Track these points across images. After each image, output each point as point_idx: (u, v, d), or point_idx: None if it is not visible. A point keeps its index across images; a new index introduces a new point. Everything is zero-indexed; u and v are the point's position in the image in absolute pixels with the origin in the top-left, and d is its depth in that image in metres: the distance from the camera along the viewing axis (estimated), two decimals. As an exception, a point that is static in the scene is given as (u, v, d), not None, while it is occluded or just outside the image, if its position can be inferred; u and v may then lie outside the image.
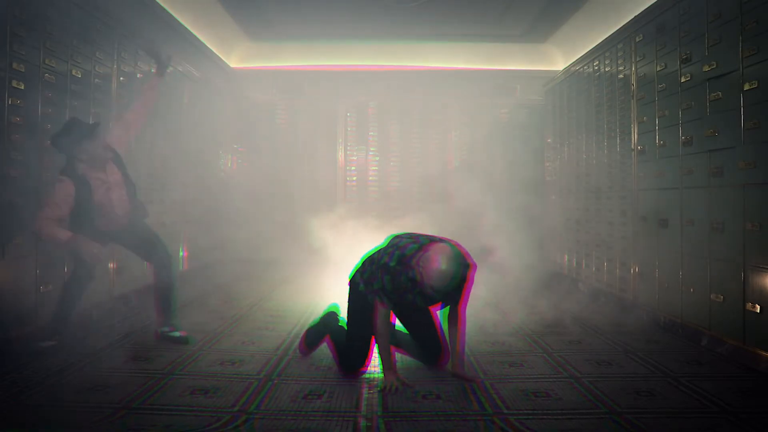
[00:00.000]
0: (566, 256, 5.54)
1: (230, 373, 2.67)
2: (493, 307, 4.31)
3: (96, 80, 3.68)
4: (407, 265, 2.44)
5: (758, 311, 2.75)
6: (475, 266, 2.56)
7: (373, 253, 2.69)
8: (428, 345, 2.77)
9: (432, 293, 2.41)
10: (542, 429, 2.08)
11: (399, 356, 2.87)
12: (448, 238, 2.67)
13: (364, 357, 2.65)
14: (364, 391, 2.46)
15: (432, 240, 2.54)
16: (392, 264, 2.49)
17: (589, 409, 2.27)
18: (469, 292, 2.62)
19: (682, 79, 3.45)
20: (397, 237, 2.68)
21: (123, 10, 4.00)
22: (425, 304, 2.61)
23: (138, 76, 4.28)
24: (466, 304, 2.64)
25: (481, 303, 4.42)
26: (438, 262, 2.33)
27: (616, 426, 2.10)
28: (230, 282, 5.38)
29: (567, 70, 5.70)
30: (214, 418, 2.15)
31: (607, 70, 4.68)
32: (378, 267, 2.56)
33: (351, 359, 2.66)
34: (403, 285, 2.48)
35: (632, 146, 4.16)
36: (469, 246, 2.64)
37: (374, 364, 2.81)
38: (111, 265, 3.87)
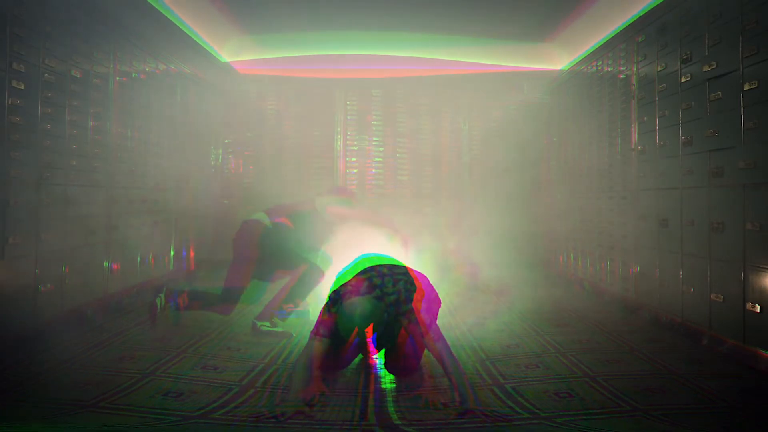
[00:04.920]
0: (567, 256, 5.54)
1: (210, 378, 2.60)
2: (497, 307, 4.30)
3: (95, 80, 3.68)
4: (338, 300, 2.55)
5: (758, 311, 2.75)
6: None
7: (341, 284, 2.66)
8: (388, 355, 2.70)
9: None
10: (591, 429, 2.05)
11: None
12: (416, 272, 2.66)
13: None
14: (369, 400, 2.35)
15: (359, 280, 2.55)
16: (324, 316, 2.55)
17: (615, 408, 2.26)
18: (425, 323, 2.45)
19: (683, 79, 3.45)
20: (364, 272, 2.62)
21: (120, 9, 3.99)
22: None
23: (136, 75, 4.28)
24: (434, 335, 2.41)
25: (485, 303, 4.41)
26: (353, 302, 2.44)
27: (659, 425, 2.09)
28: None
29: (569, 70, 5.70)
30: (162, 420, 2.09)
31: (608, 70, 4.68)
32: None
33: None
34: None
35: (632, 146, 4.15)
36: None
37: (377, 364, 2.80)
38: (111, 265, 3.87)
